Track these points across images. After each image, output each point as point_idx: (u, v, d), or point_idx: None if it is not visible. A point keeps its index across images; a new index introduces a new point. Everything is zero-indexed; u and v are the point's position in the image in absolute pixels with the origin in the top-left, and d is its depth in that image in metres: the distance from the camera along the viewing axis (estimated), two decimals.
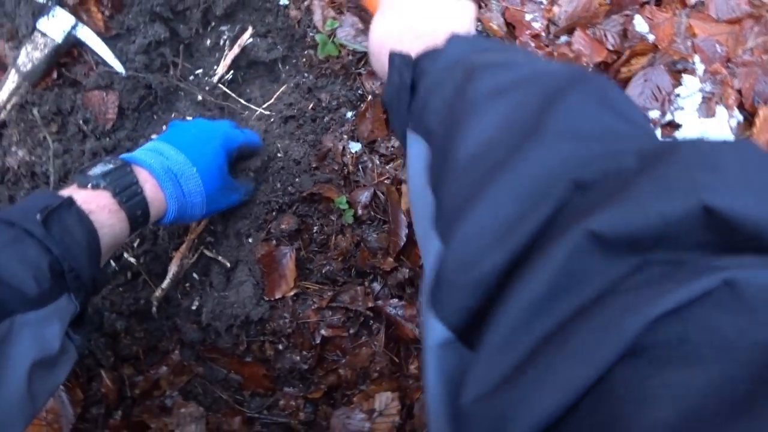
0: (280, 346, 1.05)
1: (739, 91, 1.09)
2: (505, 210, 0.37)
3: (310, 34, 1.08)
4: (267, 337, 1.05)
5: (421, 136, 0.56)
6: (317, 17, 1.07)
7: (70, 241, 0.65)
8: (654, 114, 1.07)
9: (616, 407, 0.27)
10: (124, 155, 0.81)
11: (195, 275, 1.04)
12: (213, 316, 1.01)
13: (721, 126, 1.07)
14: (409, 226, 1.02)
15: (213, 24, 1.09)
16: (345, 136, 1.06)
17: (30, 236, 0.62)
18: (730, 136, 1.08)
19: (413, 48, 0.67)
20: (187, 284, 1.04)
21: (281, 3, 1.09)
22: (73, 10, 0.99)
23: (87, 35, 1.00)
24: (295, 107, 1.08)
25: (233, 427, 1.01)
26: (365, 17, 1.05)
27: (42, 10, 0.97)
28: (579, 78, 0.45)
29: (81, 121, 1.01)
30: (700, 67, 1.08)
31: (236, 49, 1.09)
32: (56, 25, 0.97)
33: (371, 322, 1.07)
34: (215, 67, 1.10)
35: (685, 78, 1.07)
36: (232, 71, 1.10)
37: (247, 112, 1.11)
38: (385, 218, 1.05)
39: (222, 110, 1.09)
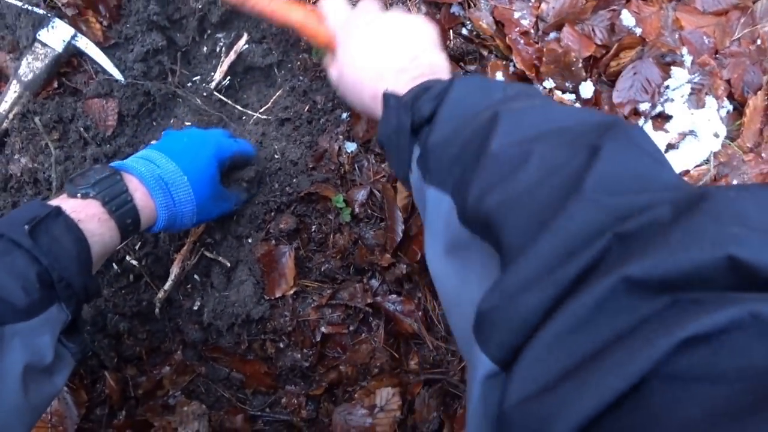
0: (281, 345, 1.06)
1: (728, 82, 1.10)
2: (548, 260, 0.40)
3: (304, 38, 1.10)
4: (268, 336, 1.06)
5: (442, 189, 0.57)
6: None
7: (58, 250, 0.65)
8: (644, 106, 1.09)
9: (650, 410, 0.30)
10: (115, 163, 0.81)
11: (196, 276, 1.06)
12: (214, 316, 1.03)
13: (711, 116, 1.08)
14: (405, 222, 1.04)
15: (209, 32, 1.12)
16: (341, 137, 1.08)
17: (18, 247, 0.62)
18: (721, 127, 1.09)
19: (399, 83, 0.70)
20: (189, 285, 1.06)
21: None
22: (73, 21, 1.02)
23: (86, 45, 1.02)
24: (291, 110, 1.10)
25: (236, 424, 1.03)
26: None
27: (42, 22, 0.99)
28: (610, 128, 0.47)
29: (82, 129, 1.03)
30: (688, 59, 1.09)
31: (232, 56, 1.11)
32: (56, 35, 1.00)
33: (370, 318, 1.08)
34: (212, 73, 1.12)
35: (674, 70, 1.09)
36: (228, 77, 1.12)
37: (244, 117, 1.13)
38: (382, 216, 1.06)
39: (220, 116, 1.12)
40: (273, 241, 1.06)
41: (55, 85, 1.03)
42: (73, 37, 1.01)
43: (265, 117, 1.11)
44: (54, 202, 0.72)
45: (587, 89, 1.07)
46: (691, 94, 1.09)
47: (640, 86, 1.09)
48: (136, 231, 0.79)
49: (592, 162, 0.43)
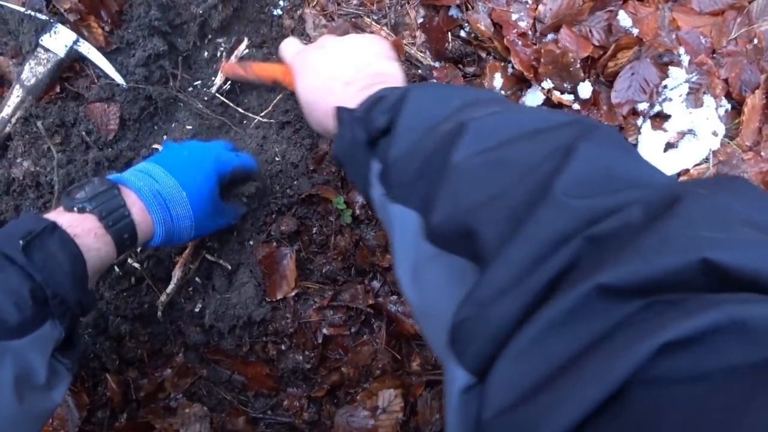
0: (283, 347, 1.06)
1: (726, 81, 1.11)
2: (519, 267, 0.40)
3: (304, 42, 1.11)
4: (269, 338, 1.06)
5: (407, 206, 0.55)
6: (309, 25, 1.10)
7: (53, 266, 0.64)
8: (643, 106, 1.09)
9: (633, 416, 0.30)
10: (113, 176, 0.80)
11: (197, 278, 1.06)
12: (216, 318, 1.03)
13: (710, 115, 1.09)
14: None
15: (210, 36, 1.13)
16: None
17: (11, 263, 0.62)
18: (719, 126, 1.09)
19: (347, 96, 0.70)
20: (190, 288, 1.06)
21: (275, 13, 1.12)
22: (75, 27, 1.03)
23: (88, 50, 1.03)
24: (292, 113, 1.11)
25: (237, 427, 1.02)
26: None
27: (44, 27, 1.01)
28: (580, 128, 0.47)
29: (84, 133, 1.04)
30: (685, 59, 1.10)
31: (233, 61, 1.12)
32: (58, 40, 1.01)
33: (372, 319, 1.08)
34: (213, 78, 1.13)
35: (672, 70, 1.09)
36: (229, 82, 1.13)
37: (245, 121, 1.14)
38: None
39: (221, 120, 1.12)
40: (274, 243, 1.06)
41: (58, 89, 1.04)
42: (76, 42, 1.02)
43: (266, 120, 1.12)
44: (50, 215, 0.71)
45: (585, 90, 1.07)
46: (689, 93, 1.10)
47: (638, 86, 1.09)
48: (133, 246, 0.78)
49: (563, 164, 0.43)
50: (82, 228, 0.71)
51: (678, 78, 1.09)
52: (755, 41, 1.12)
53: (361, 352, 1.07)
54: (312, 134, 1.09)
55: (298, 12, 1.11)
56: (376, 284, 1.08)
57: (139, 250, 1.05)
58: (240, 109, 1.13)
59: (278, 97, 1.13)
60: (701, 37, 1.11)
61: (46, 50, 1.01)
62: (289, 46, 0.88)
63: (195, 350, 1.06)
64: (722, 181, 0.42)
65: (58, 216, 0.71)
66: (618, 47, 1.08)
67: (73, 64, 1.05)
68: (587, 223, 0.39)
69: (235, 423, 1.03)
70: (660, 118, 1.10)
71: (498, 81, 1.07)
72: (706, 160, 1.09)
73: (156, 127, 1.11)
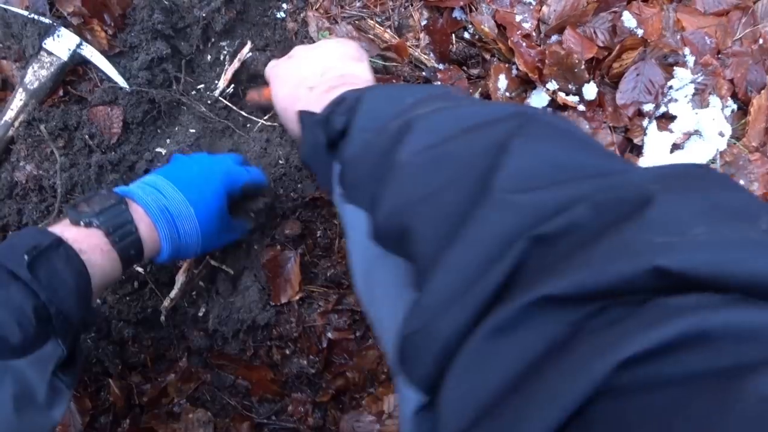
0: (287, 351, 1.05)
1: (731, 81, 1.11)
2: (464, 273, 0.38)
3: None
4: (274, 342, 1.05)
5: (359, 206, 0.54)
6: (312, 28, 1.10)
7: (58, 283, 0.63)
8: (648, 107, 1.09)
9: (600, 429, 0.28)
10: (120, 189, 0.79)
11: (201, 283, 1.06)
12: (219, 322, 1.02)
13: (716, 116, 1.08)
14: None
15: (213, 40, 1.13)
16: None
17: (15, 279, 0.60)
18: (726, 126, 1.08)
19: (311, 101, 0.69)
20: (194, 292, 1.05)
21: (278, 16, 1.12)
22: (78, 30, 1.03)
23: (91, 53, 1.03)
24: None
25: None
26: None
27: (48, 31, 1.00)
28: (521, 119, 0.45)
29: (87, 136, 1.03)
30: (690, 59, 1.10)
31: (236, 64, 1.12)
32: (62, 44, 1.01)
33: None
34: (216, 81, 1.13)
35: (677, 70, 1.09)
36: (233, 85, 1.13)
37: (249, 124, 1.13)
38: None
39: (225, 123, 1.12)
40: (278, 247, 1.05)
41: (61, 93, 1.04)
42: (79, 45, 1.02)
43: (269, 124, 1.11)
44: (56, 228, 0.70)
45: (590, 91, 1.07)
46: (694, 94, 1.09)
47: (643, 87, 1.09)
48: (139, 261, 0.77)
49: (502, 158, 0.41)
50: (88, 244, 0.69)
51: (683, 79, 1.09)
52: (760, 41, 1.11)
53: (367, 356, 1.06)
54: None
55: (302, 15, 1.11)
56: None
57: None
58: (243, 113, 1.13)
59: None
60: (706, 38, 1.11)
61: (50, 54, 1.01)
62: (270, 65, 0.88)
63: (199, 355, 1.05)
64: (691, 170, 0.40)
65: (64, 230, 0.69)
66: (623, 48, 1.07)
67: (76, 68, 1.05)
68: (533, 220, 0.37)
69: (239, 428, 1.02)
70: (666, 119, 1.10)
71: (503, 82, 1.07)
72: (713, 161, 1.08)
73: (159, 131, 1.11)
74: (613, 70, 1.09)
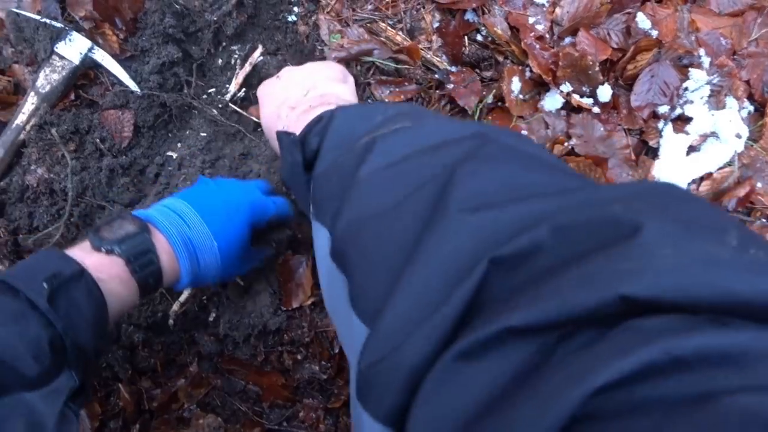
0: (299, 356, 1.04)
1: (748, 83, 1.09)
2: (425, 298, 0.37)
3: (319, 48, 1.10)
4: (285, 347, 1.04)
5: (322, 224, 0.54)
6: (324, 31, 1.10)
7: (76, 315, 0.62)
8: (663, 109, 1.07)
9: None
10: (142, 213, 0.78)
11: (211, 287, 1.05)
12: (230, 327, 1.01)
13: (733, 117, 1.07)
14: None
15: (224, 44, 1.13)
16: None
17: (33, 309, 0.60)
18: (743, 128, 1.07)
19: (291, 121, 0.70)
20: (204, 296, 1.04)
21: (290, 20, 1.12)
22: (90, 34, 1.03)
23: (103, 57, 1.03)
24: None
25: None
26: None
27: (60, 35, 1.01)
28: (477, 139, 0.45)
29: (98, 140, 1.03)
30: (706, 61, 1.08)
31: (247, 68, 1.11)
32: (73, 48, 1.01)
33: None
34: (227, 85, 1.13)
35: (692, 72, 1.08)
36: (244, 89, 1.12)
37: (260, 129, 1.13)
38: None
39: (236, 127, 1.11)
40: (290, 251, 1.04)
41: (72, 96, 1.04)
42: (90, 49, 1.02)
43: None
44: (76, 253, 0.68)
45: (605, 93, 1.06)
46: (710, 95, 1.08)
47: (658, 89, 1.07)
48: (157, 290, 0.77)
49: (457, 178, 0.40)
50: (109, 273, 0.69)
51: (699, 80, 1.07)
52: None
53: None
54: None
55: (313, 18, 1.11)
56: None
57: None
58: (254, 117, 1.12)
59: None
60: (721, 39, 1.09)
61: (61, 58, 1.01)
62: (262, 83, 0.89)
63: (209, 360, 1.04)
64: (655, 188, 0.39)
65: (85, 256, 0.68)
66: (637, 50, 1.06)
67: (87, 72, 1.05)
68: (490, 240, 0.36)
69: None
70: (681, 121, 1.08)
71: (516, 85, 1.06)
72: (730, 163, 1.07)
73: (170, 135, 1.10)
74: (627, 71, 1.08)
